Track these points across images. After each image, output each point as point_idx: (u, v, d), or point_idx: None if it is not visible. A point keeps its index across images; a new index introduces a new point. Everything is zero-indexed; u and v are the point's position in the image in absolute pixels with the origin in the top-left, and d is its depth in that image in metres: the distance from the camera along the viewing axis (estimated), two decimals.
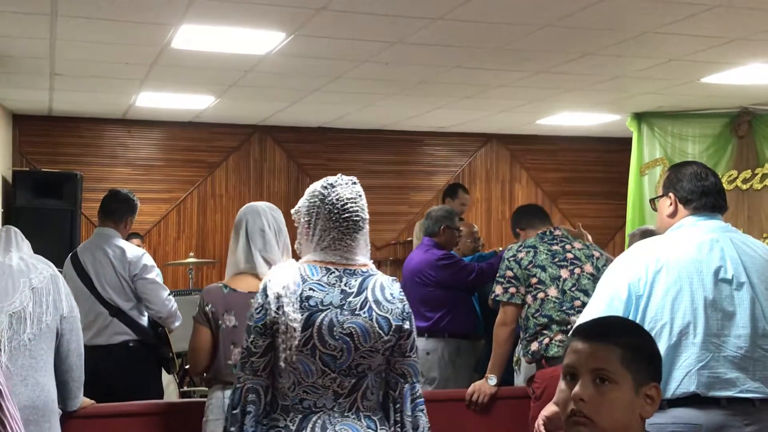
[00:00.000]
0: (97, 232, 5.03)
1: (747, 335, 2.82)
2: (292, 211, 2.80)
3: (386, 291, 2.70)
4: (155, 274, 4.92)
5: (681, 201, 3.02)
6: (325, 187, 2.72)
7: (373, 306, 2.65)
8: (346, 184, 2.73)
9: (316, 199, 2.72)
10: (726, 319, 2.84)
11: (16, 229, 3.54)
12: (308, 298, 2.60)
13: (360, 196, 2.74)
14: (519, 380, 4.95)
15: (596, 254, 4.32)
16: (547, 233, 4.37)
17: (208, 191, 9.52)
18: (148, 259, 4.92)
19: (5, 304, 3.25)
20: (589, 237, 4.70)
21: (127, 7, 4.81)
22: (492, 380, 4.27)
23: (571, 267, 4.20)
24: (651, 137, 8.23)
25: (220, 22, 5.13)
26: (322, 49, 5.84)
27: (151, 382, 4.90)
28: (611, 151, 10.02)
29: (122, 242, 4.93)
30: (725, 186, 7.79)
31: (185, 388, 6.44)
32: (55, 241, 7.41)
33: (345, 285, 2.65)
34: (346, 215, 2.68)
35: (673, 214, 3.04)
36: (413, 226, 9.26)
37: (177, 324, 5.03)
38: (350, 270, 2.68)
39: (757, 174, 7.92)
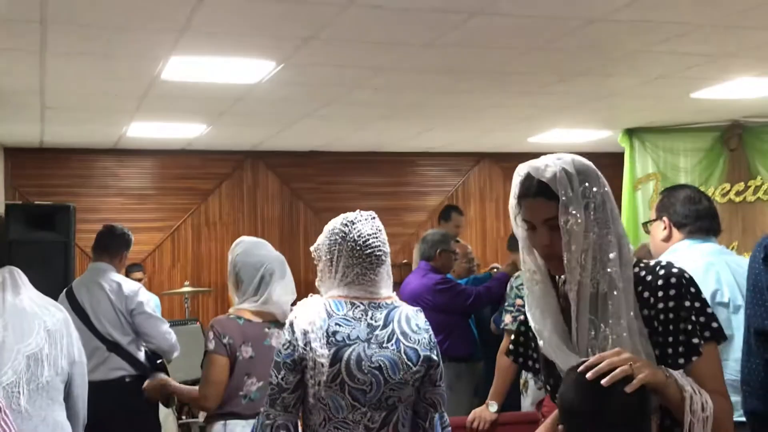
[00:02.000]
0: (91, 267, 5.02)
1: None
2: (312, 248, 2.82)
3: (412, 322, 2.71)
4: (152, 308, 4.90)
5: (675, 225, 3.03)
6: (345, 225, 2.73)
7: (401, 338, 2.66)
8: (366, 219, 2.75)
9: (337, 237, 2.72)
10: (724, 344, 2.83)
11: (18, 270, 3.53)
12: (335, 333, 2.61)
13: (380, 230, 2.75)
14: (526, 403, 4.93)
15: None
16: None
17: (202, 219, 9.50)
18: (144, 293, 4.92)
19: (21, 345, 3.22)
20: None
21: (116, 42, 4.81)
22: (493, 407, 4.25)
23: None
24: (643, 152, 8.24)
25: (210, 53, 5.14)
26: (313, 77, 5.85)
27: (148, 417, 4.87)
28: (603, 167, 9.79)
29: (118, 276, 4.92)
30: (718, 199, 7.85)
31: (184, 419, 6.40)
32: (50, 273, 7.34)
33: (371, 318, 2.66)
34: (369, 251, 2.69)
35: (668, 238, 3.04)
36: (407, 247, 9.26)
37: (176, 354, 5.01)
38: (375, 303, 2.70)
39: (749, 186, 7.94)
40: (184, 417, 6.44)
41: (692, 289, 1.98)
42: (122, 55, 5.10)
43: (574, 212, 1.94)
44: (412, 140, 9.06)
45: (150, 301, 4.99)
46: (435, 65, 5.55)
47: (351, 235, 2.70)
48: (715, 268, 2.91)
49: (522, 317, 2.24)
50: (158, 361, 4.98)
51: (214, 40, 4.84)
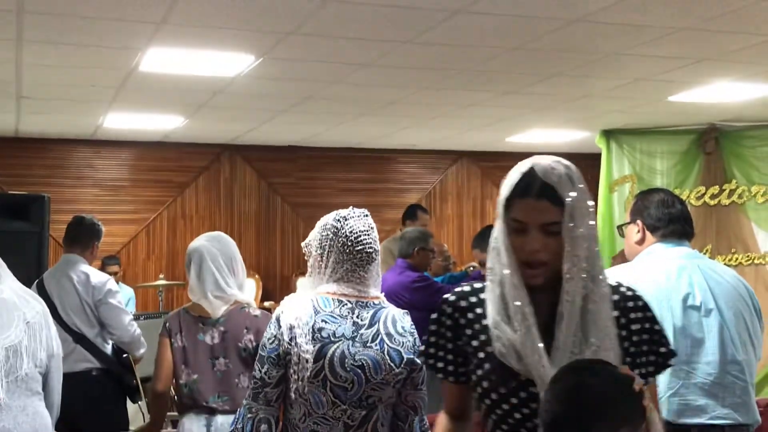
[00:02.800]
0: (63, 258, 4.99)
1: (716, 362, 2.84)
2: (303, 243, 2.82)
3: (398, 324, 2.71)
4: (119, 300, 4.87)
5: (649, 228, 3.04)
6: (338, 220, 2.73)
7: (385, 339, 2.66)
8: (359, 216, 2.75)
9: (329, 232, 2.72)
10: (695, 346, 2.85)
11: (0, 260, 3.49)
12: (320, 329, 2.62)
13: (372, 228, 2.76)
14: None
15: None
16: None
17: (178, 212, 9.45)
18: (112, 285, 4.89)
19: (1, 337, 3.19)
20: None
21: (93, 32, 4.77)
22: None
23: None
24: (620, 154, 8.28)
25: (189, 45, 5.10)
26: (292, 72, 5.83)
27: (115, 411, 4.83)
28: (581, 168, 9.70)
29: (87, 268, 4.89)
30: (693, 202, 7.90)
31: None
32: (23, 263, 7.24)
33: (357, 317, 2.66)
34: (360, 247, 2.69)
35: (641, 241, 3.06)
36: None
37: (142, 351, 4.97)
38: (362, 302, 2.70)
39: (724, 190, 7.99)
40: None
41: (653, 313, 1.98)
42: (100, 45, 5.06)
43: (579, 221, 1.84)
44: (391, 137, 9.06)
45: (117, 294, 4.95)
46: (415, 62, 5.55)
47: (343, 231, 2.70)
48: (687, 272, 2.93)
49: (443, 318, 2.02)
50: (124, 356, 4.93)
51: (193, 32, 4.81)
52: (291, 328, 2.61)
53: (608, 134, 8.27)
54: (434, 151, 10.16)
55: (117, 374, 4.84)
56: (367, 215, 2.79)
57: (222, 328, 3.53)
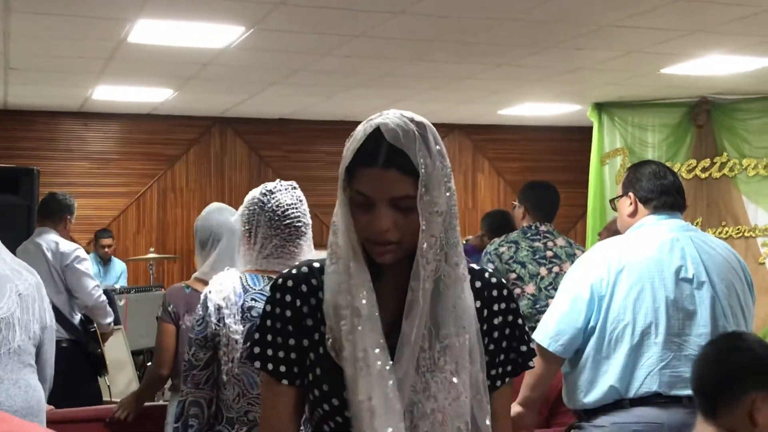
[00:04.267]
0: (36, 231, 5.01)
1: (708, 334, 2.84)
2: (232, 219, 2.74)
3: None
4: (86, 267, 4.88)
5: (641, 200, 3.03)
6: (264, 194, 2.64)
7: None
8: (286, 189, 2.65)
9: (256, 207, 2.64)
10: (687, 319, 2.85)
11: None
12: (250, 308, 2.53)
13: (300, 201, 2.66)
14: None
15: (578, 253, 4.25)
16: (532, 228, 4.33)
17: (168, 185, 9.41)
18: (81, 252, 4.91)
19: None
20: None
21: (81, 3, 4.72)
22: None
23: (550, 265, 4.19)
24: (611, 127, 8.27)
25: (178, 16, 5.05)
26: (282, 43, 5.78)
27: (86, 383, 4.84)
28: (572, 141, 10.07)
29: (58, 237, 4.91)
30: (684, 175, 7.90)
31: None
32: (12, 237, 7.23)
33: None
34: (287, 221, 2.61)
35: (634, 214, 3.05)
36: None
37: (108, 320, 4.96)
38: None
39: (715, 163, 8.00)
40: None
41: (517, 305, 1.69)
42: (88, 16, 5.01)
43: (436, 193, 1.49)
44: (383, 110, 8.99)
45: (85, 261, 4.95)
46: (406, 33, 5.50)
47: (269, 205, 2.62)
48: (680, 244, 2.92)
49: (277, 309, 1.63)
50: (91, 328, 4.92)
51: (182, 3, 4.76)
52: (219, 308, 2.53)
53: (600, 107, 8.25)
54: None
55: (83, 344, 4.83)
56: (295, 188, 2.68)
57: None
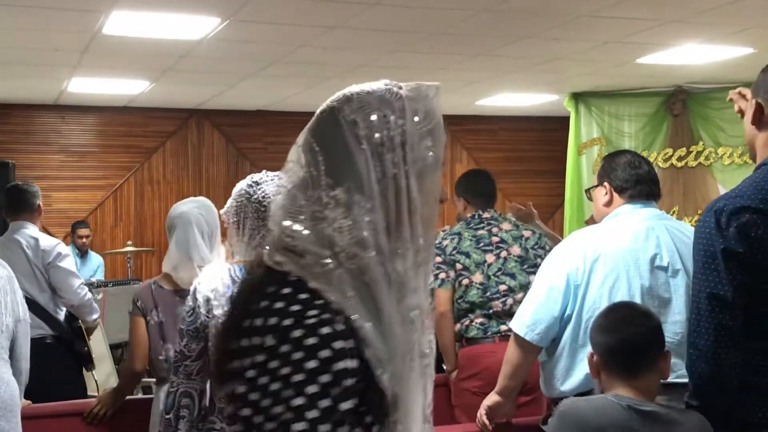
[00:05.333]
0: (11, 227, 4.90)
1: (683, 321, 2.86)
2: (222, 212, 2.74)
3: None
4: (69, 263, 4.82)
5: (616, 190, 3.04)
6: (251, 185, 2.66)
7: None
8: (272, 179, 2.67)
9: (243, 199, 2.66)
10: (662, 306, 2.87)
11: None
12: None
13: None
14: None
15: (526, 234, 4.17)
16: (475, 217, 4.26)
17: (146, 177, 9.36)
18: (62, 248, 4.83)
19: None
20: (536, 214, 4.63)
21: None
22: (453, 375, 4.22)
23: (497, 251, 4.11)
24: (588, 117, 8.31)
25: (152, 8, 5.02)
26: (259, 34, 5.76)
27: (71, 379, 4.80)
28: (550, 131, 10.10)
29: (37, 232, 4.83)
30: (661, 164, 7.96)
31: None
32: None
33: None
34: None
35: (609, 203, 3.06)
36: None
37: (94, 317, 4.92)
38: None
39: (691, 152, 8.06)
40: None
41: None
42: (62, 8, 4.97)
43: None
44: None
45: (67, 258, 4.88)
46: (384, 25, 5.50)
47: (255, 197, 2.63)
48: (655, 233, 2.94)
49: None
50: (75, 324, 4.88)
51: None
52: (208, 300, 2.56)
53: (577, 97, 8.29)
54: None
55: (70, 341, 4.79)
56: (281, 178, 2.70)
57: None
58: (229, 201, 2.72)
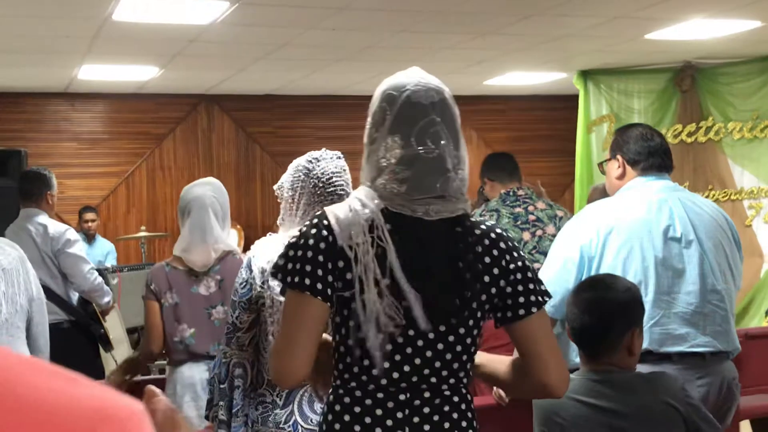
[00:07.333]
0: (21, 214, 4.94)
1: (696, 291, 2.90)
2: (275, 186, 2.76)
3: None
4: (78, 249, 4.85)
5: (629, 163, 3.07)
6: (310, 161, 2.68)
7: None
8: (331, 158, 2.70)
9: (300, 174, 2.67)
10: (676, 277, 2.90)
11: None
12: None
13: (345, 170, 2.70)
14: None
15: (560, 214, 4.27)
16: (510, 194, 4.31)
17: (157, 163, 9.40)
18: (71, 234, 4.86)
19: None
20: (544, 193, 4.69)
21: None
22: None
23: (533, 229, 4.17)
24: (597, 94, 8.30)
25: None
26: (267, 17, 5.77)
27: (90, 362, 4.85)
28: (559, 109, 10.08)
29: (46, 219, 4.86)
30: (670, 140, 7.94)
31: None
32: (2, 219, 7.27)
33: None
34: (331, 189, 2.64)
35: (622, 176, 3.09)
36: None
37: (106, 300, 4.96)
38: None
39: (701, 127, 8.05)
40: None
41: None
42: None
43: None
44: (369, 83, 8.98)
45: (76, 243, 4.91)
46: (390, 5, 5.51)
47: (314, 173, 2.66)
48: (668, 205, 2.97)
49: None
50: (90, 309, 4.93)
51: None
52: (263, 271, 2.57)
53: (585, 75, 8.28)
54: None
55: (85, 325, 4.83)
56: (339, 157, 2.72)
57: (218, 277, 3.47)
58: (285, 175, 2.73)
